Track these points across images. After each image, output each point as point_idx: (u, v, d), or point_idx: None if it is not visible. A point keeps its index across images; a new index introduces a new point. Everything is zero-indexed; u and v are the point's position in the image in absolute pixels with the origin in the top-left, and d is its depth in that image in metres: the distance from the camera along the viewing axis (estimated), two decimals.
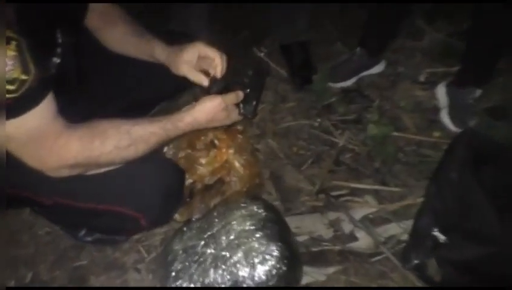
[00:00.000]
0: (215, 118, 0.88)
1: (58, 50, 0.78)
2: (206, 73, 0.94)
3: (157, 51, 0.98)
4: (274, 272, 0.89)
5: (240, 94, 0.91)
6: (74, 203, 0.89)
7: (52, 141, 0.73)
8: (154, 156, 0.87)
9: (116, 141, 0.78)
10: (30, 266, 1.07)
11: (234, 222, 0.94)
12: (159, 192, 0.89)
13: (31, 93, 0.68)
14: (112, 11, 1.01)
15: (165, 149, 1.06)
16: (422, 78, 1.64)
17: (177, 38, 1.03)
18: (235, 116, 0.92)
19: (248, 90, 0.92)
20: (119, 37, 1.00)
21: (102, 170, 0.83)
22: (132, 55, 1.02)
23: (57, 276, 1.05)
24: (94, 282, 1.04)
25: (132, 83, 1.09)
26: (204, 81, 0.93)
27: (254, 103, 0.92)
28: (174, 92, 1.24)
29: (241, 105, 0.91)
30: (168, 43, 0.98)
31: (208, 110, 0.87)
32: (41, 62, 0.68)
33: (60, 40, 0.78)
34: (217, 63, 0.92)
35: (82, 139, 0.75)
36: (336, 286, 1.04)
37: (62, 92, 0.77)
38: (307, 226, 1.16)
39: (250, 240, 0.91)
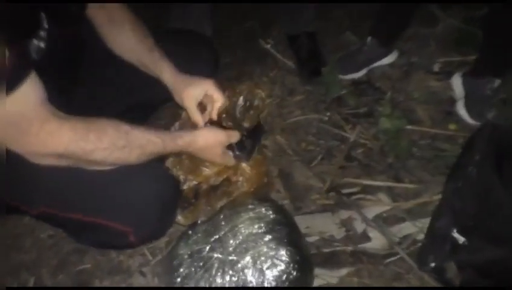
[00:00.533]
0: (211, 150, 0.88)
1: (42, 33, 0.73)
2: (203, 106, 0.96)
3: (165, 75, 0.95)
4: (284, 277, 0.84)
5: (238, 135, 0.93)
6: (60, 213, 0.86)
7: (38, 127, 0.69)
8: (147, 166, 0.83)
9: (114, 139, 0.75)
10: (32, 270, 1.04)
11: (242, 225, 0.90)
12: (149, 206, 0.85)
13: (5, 77, 0.63)
14: (121, 13, 0.96)
15: None
16: (436, 68, 1.57)
17: (181, 36, 0.98)
18: (228, 158, 0.92)
19: (244, 137, 0.94)
20: (125, 44, 0.96)
21: (91, 168, 0.79)
22: (136, 65, 0.98)
23: (60, 280, 1.02)
24: (98, 286, 1.01)
25: (137, 83, 1.05)
26: (200, 123, 0.94)
27: (248, 149, 0.94)
28: None
29: (236, 147, 0.92)
30: (176, 62, 0.96)
31: (209, 138, 0.86)
32: (16, 43, 0.63)
33: (45, 25, 0.74)
34: (218, 106, 0.94)
35: (76, 130, 0.72)
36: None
37: (53, 83, 0.73)
38: (317, 226, 1.11)
39: (258, 244, 0.87)
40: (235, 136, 0.91)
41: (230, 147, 0.92)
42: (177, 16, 1.51)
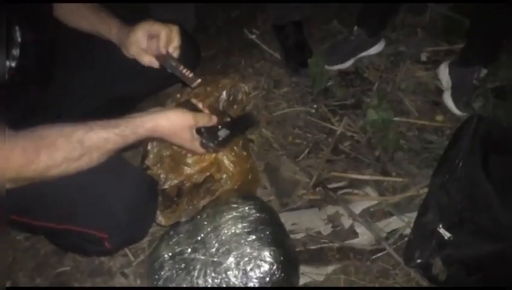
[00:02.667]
0: (178, 134, 0.81)
1: (14, 52, 0.69)
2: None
3: (113, 32, 0.91)
4: (267, 279, 0.83)
5: (214, 118, 0.85)
6: (32, 222, 0.82)
7: None
8: (120, 169, 0.79)
9: (67, 153, 0.70)
10: (8, 274, 0.99)
11: (224, 225, 0.87)
12: (122, 209, 0.81)
13: None
14: None
15: (149, 147, 0.97)
16: (424, 58, 1.55)
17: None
18: (197, 145, 0.84)
19: (220, 126, 0.86)
20: (72, 10, 0.91)
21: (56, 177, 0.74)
22: (89, 32, 0.94)
23: (37, 284, 0.98)
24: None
25: (114, 77, 1.00)
26: (154, 64, 0.89)
27: (220, 139, 0.85)
28: (163, 85, 1.15)
29: (206, 136, 0.83)
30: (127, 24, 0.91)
31: (174, 121, 0.78)
32: None
33: (19, 39, 0.69)
34: (162, 38, 0.88)
35: (26, 152, 0.66)
36: (335, 286, 0.99)
37: (24, 91, 0.68)
38: (304, 223, 1.09)
39: (241, 244, 0.84)
40: (203, 119, 0.83)
41: (199, 132, 0.83)
42: (159, 6, 1.46)
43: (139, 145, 0.94)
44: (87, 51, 0.97)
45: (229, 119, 0.93)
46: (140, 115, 0.78)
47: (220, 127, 0.86)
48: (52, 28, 0.84)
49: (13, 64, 0.69)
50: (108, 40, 0.95)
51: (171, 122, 0.78)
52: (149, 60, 0.90)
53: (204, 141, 0.83)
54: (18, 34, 0.70)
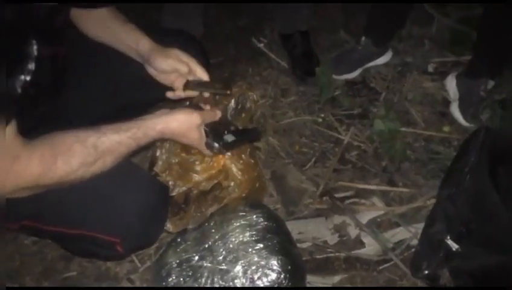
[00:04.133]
0: (186, 134, 0.81)
1: (30, 66, 0.69)
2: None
3: (142, 44, 0.90)
4: (275, 287, 0.82)
5: (218, 113, 0.86)
6: (43, 227, 0.83)
7: (8, 165, 0.65)
8: (132, 174, 0.80)
9: (83, 158, 0.71)
10: (15, 278, 1.00)
11: (232, 233, 0.88)
12: (135, 214, 0.81)
13: None
14: None
15: (157, 154, 0.98)
16: (431, 69, 1.56)
17: (168, 36, 0.95)
18: (204, 144, 0.84)
19: (226, 131, 0.87)
20: (98, 21, 0.91)
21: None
22: (111, 43, 0.93)
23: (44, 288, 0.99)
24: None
25: (127, 85, 1.01)
26: (184, 69, 0.89)
27: (227, 142, 0.85)
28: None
29: (211, 136, 0.83)
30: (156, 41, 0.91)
31: (182, 121, 0.80)
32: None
33: (35, 53, 0.70)
34: (194, 68, 0.89)
35: (44, 159, 0.67)
36: None
37: (35, 102, 0.69)
38: (310, 232, 1.09)
39: (249, 252, 0.85)
40: (209, 115, 0.84)
41: (206, 133, 0.84)
42: (169, 13, 1.48)
43: (150, 147, 0.94)
44: (96, 58, 0.98)
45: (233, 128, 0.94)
46: (150, 117, 0.79)
47: (225, 132, 0.87)
48: (67, 40, 0.84)
49: (28, 78, 0.70)
50: (116, 49, 0.94)
51: (179, 123, 0.80)
52: (183, 69, 0.90)
53: (209, 140, 0.83)
54: (35, 48, 0.70)
